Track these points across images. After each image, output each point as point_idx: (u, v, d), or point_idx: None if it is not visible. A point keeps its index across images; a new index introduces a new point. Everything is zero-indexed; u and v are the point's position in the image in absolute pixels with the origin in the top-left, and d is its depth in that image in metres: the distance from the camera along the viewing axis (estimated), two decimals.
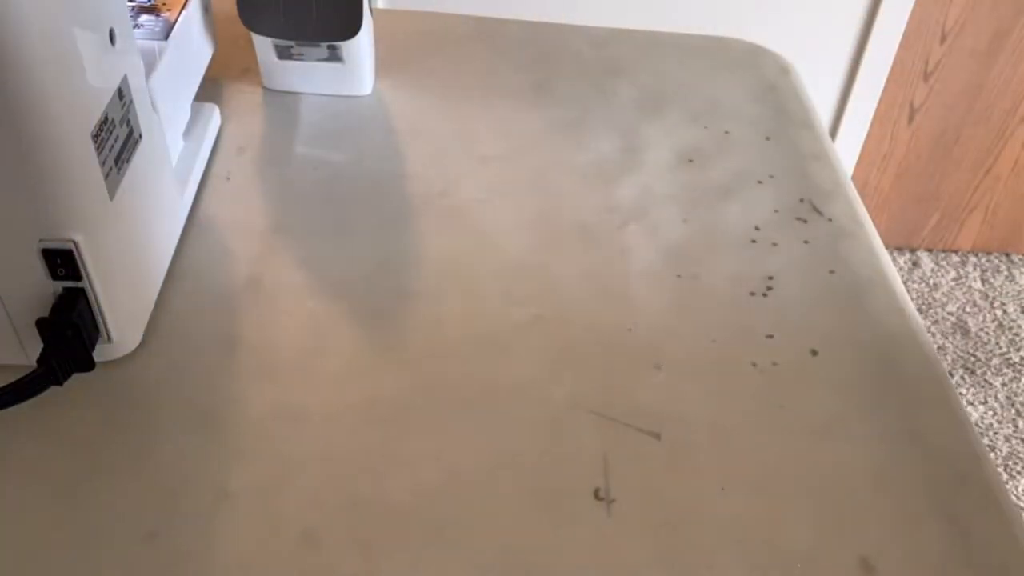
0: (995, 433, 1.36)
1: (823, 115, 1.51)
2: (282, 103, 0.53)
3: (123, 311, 0.36)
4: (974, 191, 1.63)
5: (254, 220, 0.45)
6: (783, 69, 0.59)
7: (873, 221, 0.47)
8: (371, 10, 0.51)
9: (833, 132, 1.53)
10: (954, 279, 1.64)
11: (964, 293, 1.61)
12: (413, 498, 0.33)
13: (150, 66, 0.41)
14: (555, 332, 0.40)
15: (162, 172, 0.40)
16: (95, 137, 0.32)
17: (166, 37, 0.44)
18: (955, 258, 1.70)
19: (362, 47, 0.51)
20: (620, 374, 0.38)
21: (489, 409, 0.36)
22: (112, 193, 0.34)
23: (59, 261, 0.32)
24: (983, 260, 1.69)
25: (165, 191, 0.41)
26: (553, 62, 0.58)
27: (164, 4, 0.46)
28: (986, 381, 1.44)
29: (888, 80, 1.47)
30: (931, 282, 1.64)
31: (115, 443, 0.34)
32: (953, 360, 1.48)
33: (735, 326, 0.40)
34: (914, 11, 1.39)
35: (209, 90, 0.53)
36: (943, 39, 1.44)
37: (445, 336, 0.39)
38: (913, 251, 1.71)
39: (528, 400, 0.37)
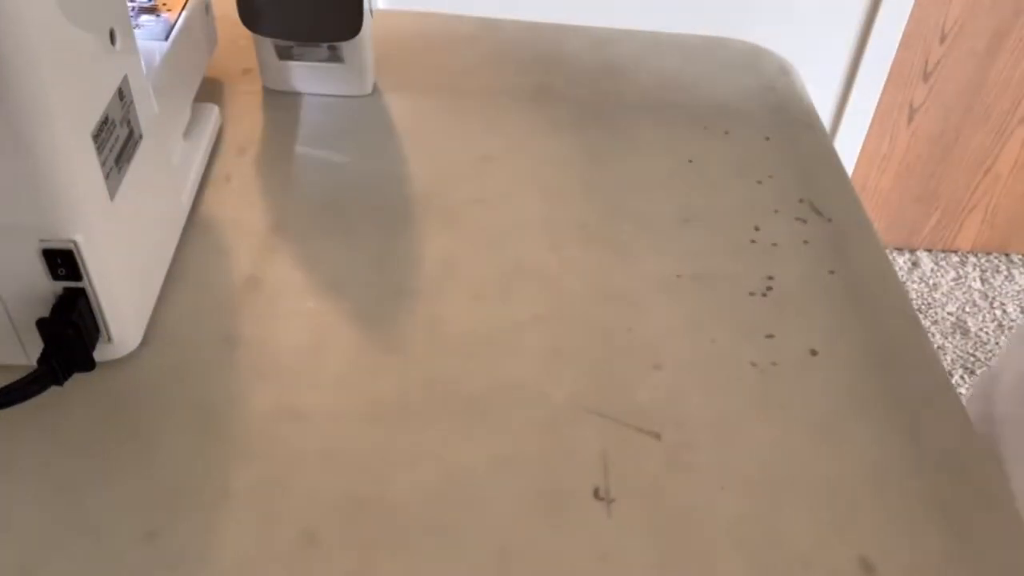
0: None
1: (823, 115, 1.51)
2: (282, 103, 0.53)
3: (124, 311, 0.36)
4: (973, 191, 1.63)
5: (254, 220, 0.45)
6: (783, 69, 0.59)
7: (873, 221, 0.47)
8: (371, 11, 0.51)
9: (833, 132, 1.53)
10: (953, 279, 1.65)
11: (964, 293, 1.61)
12: (413, 498, 0.33)
13: (150, 66, 0.41)
14: (555, 332, 0.40)
15: (162, 172, 0.40)
16: (95, 137, 0.32)
17: (166, 37, 0.44)
18: (955, 258, 1.70)
19: (363, 47, 0.51)
20: (620, 374, 0.38)
21: (489, 409, 0.36)
22: (112, 193, 0.34)
23: (59, 261, 0.32)
24: (982, 260, 1.69)
25: (165, 191, 0.41)
26: (553, 62, 0.58)
27: (164, 4, 0.46)
28: None
29: (887, 80, 1.47)
30: (931, 282, 1.64)
31: (115, 443, 0.34)
32: (953, 360, 1.48)
33: (735, 326, 0.41)
34: (914, 11, 1.39)
35: (209, 90, 0.53)
36: (943, 39, 1.44)
37: (445, 336, 0.39)
38: (913, 251, 1.71)
39: (528, 400, 0.37)
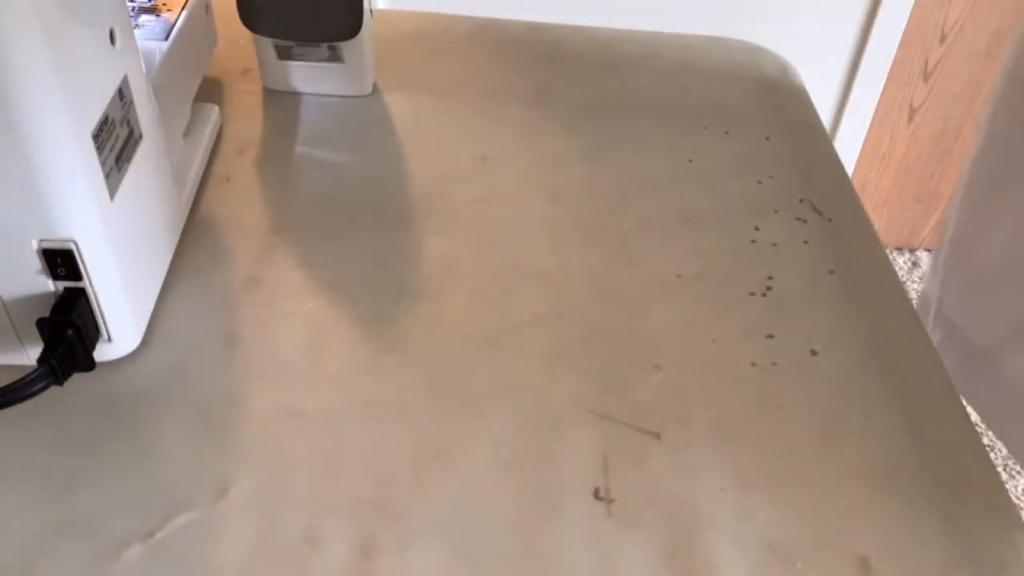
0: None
1: (823, 115, 1.50)
2: (282, 103, 0.53)
3: (123, 311, 0.36)
4: None
5: (254, 220, 0.45)
6: (783, 69, 0.59)
7: (873, 221, 0.47)
8: (371, 11, 0.51)
9: (833, 132, 1.53)
10: None
11: None
12: (413, 498, 0.33)
13: (150, 66, 0.41)
14: (555, 332, 0.40)
15: (162, 172, 0.40)
16: (96, 137, 0.32)
17: (166, 37, 0.44)
18: None
19: (363, 47, 0.51)
20: (620, 374, 0.38)
21: (489, 409, 0.36)
22: (112, 193, 0.34)
23: (59, 261, 0.32)
24: None
25: (165, 191, 0.41)
26: (553, 62, 0.58)
27: (164, 4, 0.46)
28: None
29: (888, 80, 1.47)
30: None
31: (115, 443, 0.34)
32: None
33: (735, 326, 0.40)
34: (914, 11, 1.39)
35: (209, 90, 0.53)
36: (943, 39, 1.44)
37: (445, 336, 0.39)
38: (913, 251, 1.71)
39: (528, 400, 0.37)
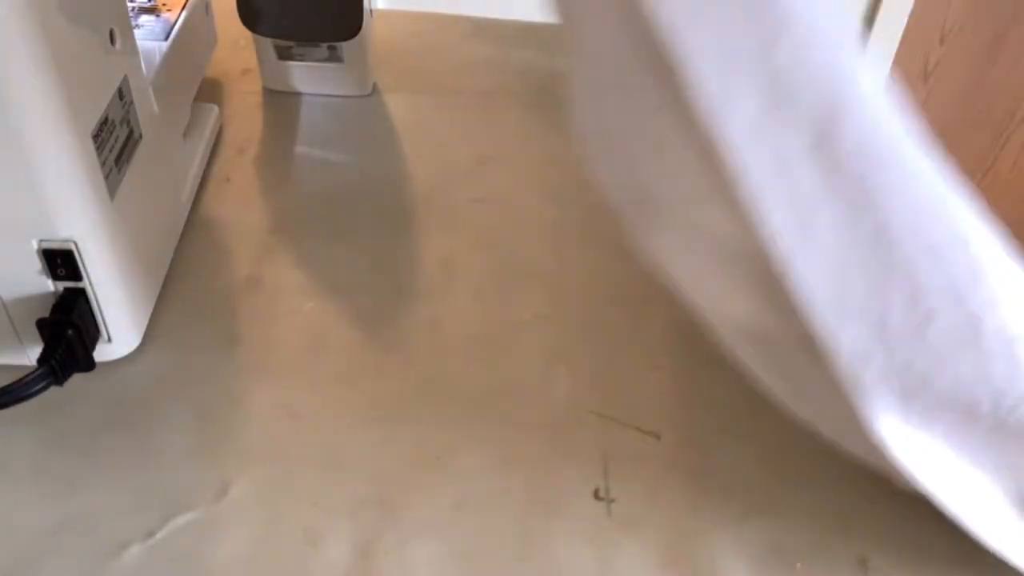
0: None
1: None
2: (282, 103, 0.53)
3: (123, 311, 0.36)
4: (973, 192, 1.63)
5: (254, 220, 0.45)
6: None
7: None
8: (371, 11, 0.51)
9: None
10: None
11: None
12: (413, 498, 0.33)
13: (150, 67, 0.41)
14: (555, 332, 0.40)
15: (162, 172, 0.40)
16: (95, 137, 0.32)
17: (166, 38, 0.44)
18: None
19: (363, 47, 0.51)
20: (620, 374, 0.38)
21: (489, 409, 0.36)
22: (112, 193, 0.34)
23: (59, 261, 0.32)
24: None
25: (165, 191, 0.41)
26: (552, 62, 0.58)
27: (164, 5, 0.46)
28: None
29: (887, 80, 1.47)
30: None
31: (115, 443, 0.34)
32: None
33: None
34: (914, 11, 1.39)
35: (209, 90, 0.53)
36: (942, 40, 1.44)
37: (445, 336, 0.39)
38: None
39: (528, 400, 0.37)
